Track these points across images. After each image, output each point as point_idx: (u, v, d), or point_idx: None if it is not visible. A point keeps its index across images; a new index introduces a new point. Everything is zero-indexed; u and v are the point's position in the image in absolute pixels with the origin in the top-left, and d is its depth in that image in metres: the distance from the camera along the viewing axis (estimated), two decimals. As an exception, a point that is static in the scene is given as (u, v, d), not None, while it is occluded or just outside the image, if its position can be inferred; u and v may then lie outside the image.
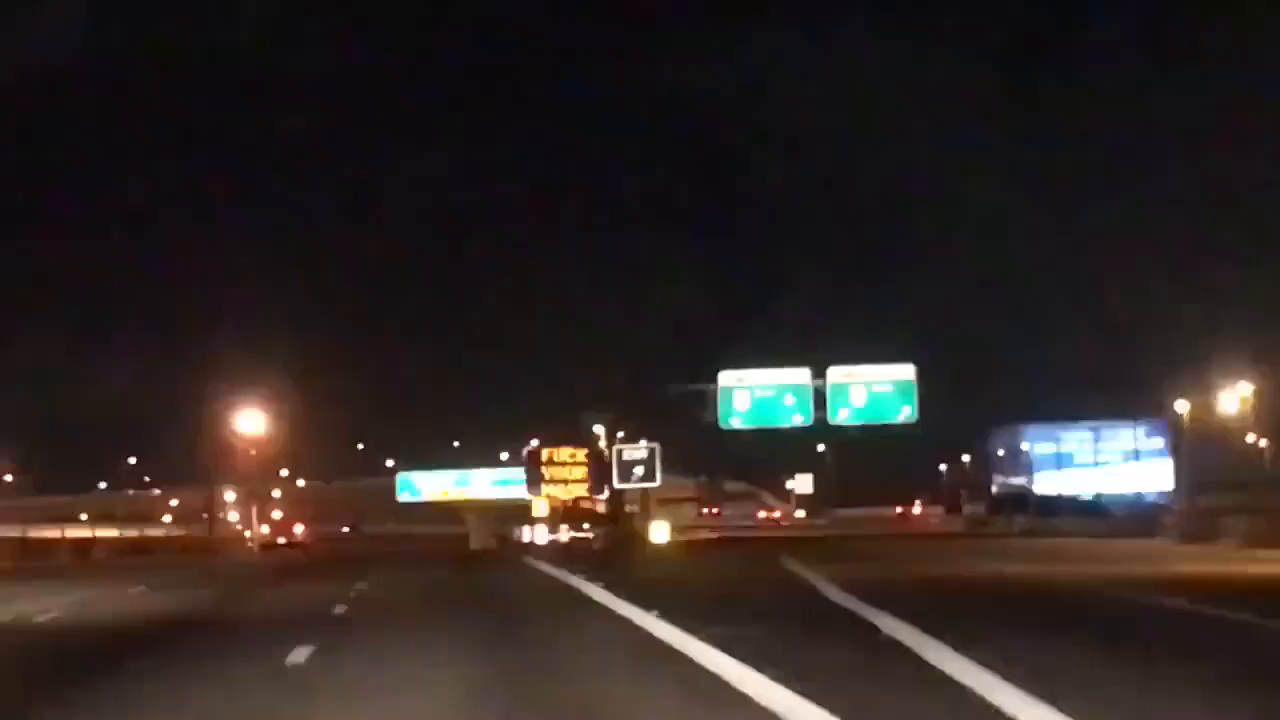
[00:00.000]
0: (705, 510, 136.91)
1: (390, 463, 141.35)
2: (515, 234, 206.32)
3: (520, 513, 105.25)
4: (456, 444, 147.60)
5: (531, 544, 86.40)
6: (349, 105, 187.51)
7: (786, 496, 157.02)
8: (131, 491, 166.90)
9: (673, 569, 43.60)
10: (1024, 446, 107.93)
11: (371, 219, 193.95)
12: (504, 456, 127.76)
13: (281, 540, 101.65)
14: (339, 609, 27.27)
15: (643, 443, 79.76)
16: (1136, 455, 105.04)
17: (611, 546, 71.81)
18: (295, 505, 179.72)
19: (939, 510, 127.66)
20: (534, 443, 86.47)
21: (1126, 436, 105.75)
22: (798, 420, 75.56)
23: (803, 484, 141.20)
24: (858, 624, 20.55)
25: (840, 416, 75.53)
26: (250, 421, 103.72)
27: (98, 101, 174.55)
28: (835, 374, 75.64)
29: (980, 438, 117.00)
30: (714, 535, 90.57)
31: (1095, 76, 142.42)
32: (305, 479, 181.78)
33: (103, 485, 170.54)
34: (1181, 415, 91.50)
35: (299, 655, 18.05)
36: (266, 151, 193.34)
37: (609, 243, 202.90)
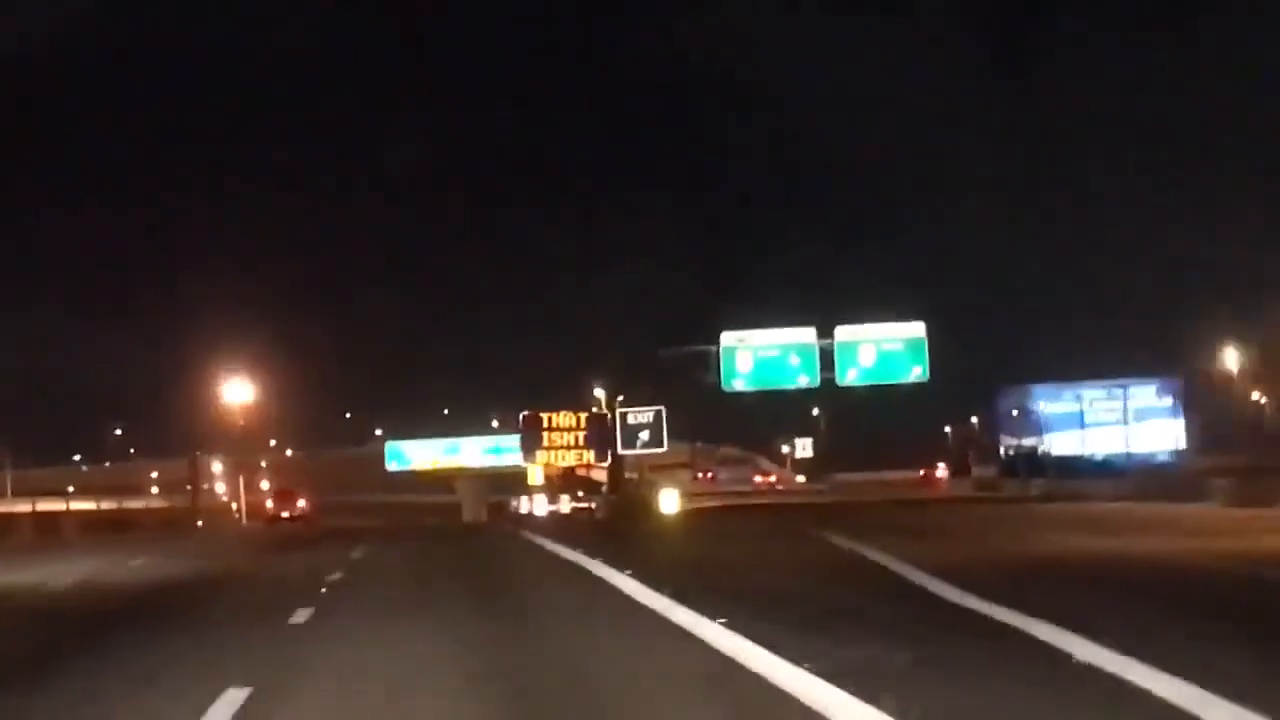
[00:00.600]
0: (699, 475, 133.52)
1: (379, 432, 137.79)
2: (505, 200, 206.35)
3: (514, 481, 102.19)
4: (446, 411, 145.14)
5: (530, 515, 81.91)
6: (336, 69, 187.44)
7: (783, 461, 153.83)
8: (108, 464, 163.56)
9: (697, 546, 38.35)
10: (1035, 406, 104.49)
11: (359, 188, 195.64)
12: (495, 424, 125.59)
13: (285, 514, 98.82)
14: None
15: (648, 406, 76.55)
16: (1148, 414, 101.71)
17: (614, 517, 68.10)
18: (293, 477, 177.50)
19: (944, 473, 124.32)
20: (529, 410, 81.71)
21: (1139, 394, 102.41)
22: (803, 381, 72.42)
23: (803, 448, 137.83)
24: (1005, 633, 15.69)
25: (849, 377, 72.45)
26: (238, 390, 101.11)
27: (76, 71, 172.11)
28: (843, 333, 72.57)
29: (988, 398, 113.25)
30: (718, 503, 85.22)
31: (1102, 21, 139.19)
32: (293, 449, 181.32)
33: (76, 458, 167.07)
34: (1197, 372, 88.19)
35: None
36: (253, 116, 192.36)
37: (601, 208, 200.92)
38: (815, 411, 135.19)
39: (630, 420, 76.36)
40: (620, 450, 77.11)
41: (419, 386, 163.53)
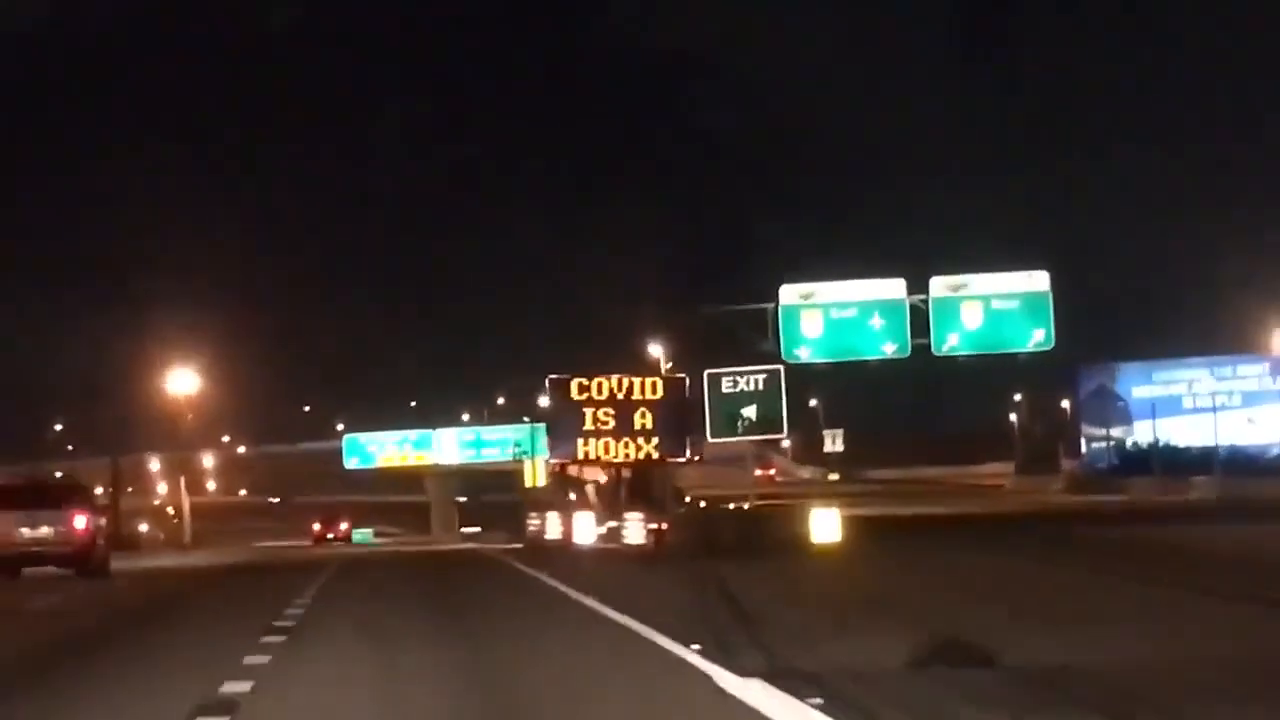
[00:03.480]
0: (763, 472, 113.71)
1: (341, 426, 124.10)
2: (477, 185, 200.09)
3: (498, 482, 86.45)
4: (414, 404, 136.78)
5: (564, 544, 52.66)
6: (297, 55, 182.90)
7: (788, 451, 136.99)
8: (33, 465, 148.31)
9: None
10: (1124, 388, 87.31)
11: (324, 175, 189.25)
12: (465, 417, 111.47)
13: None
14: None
15: (759, 366, 54.50)
16: (1260, 398, 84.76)
17: (717, 552, 38.65)
18: (235, 477, 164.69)
19: (1001, 468, 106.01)
20: (556, 376, 54.15)
21: (1247, 375, 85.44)
22: (889, 349, 55.58)
23: (832, 440, 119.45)
24: None
25: (949, 344, 55.39)
26: (182, 381, 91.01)
27: (12, 65, 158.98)
28: (940, 285, 55.58)
29: (1055, 377, 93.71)
30: (846, 510, 55.75)
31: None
32: (247, 445, 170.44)
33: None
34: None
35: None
36: (204, 103, 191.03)
37: (584, 189, 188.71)
38: (814, 402, 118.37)
39: (728, 388, 52.56)
40: (713, 438, 53.31)
41: (385, 378, 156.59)
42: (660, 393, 52.73)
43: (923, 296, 55.39)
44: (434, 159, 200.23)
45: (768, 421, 53.96)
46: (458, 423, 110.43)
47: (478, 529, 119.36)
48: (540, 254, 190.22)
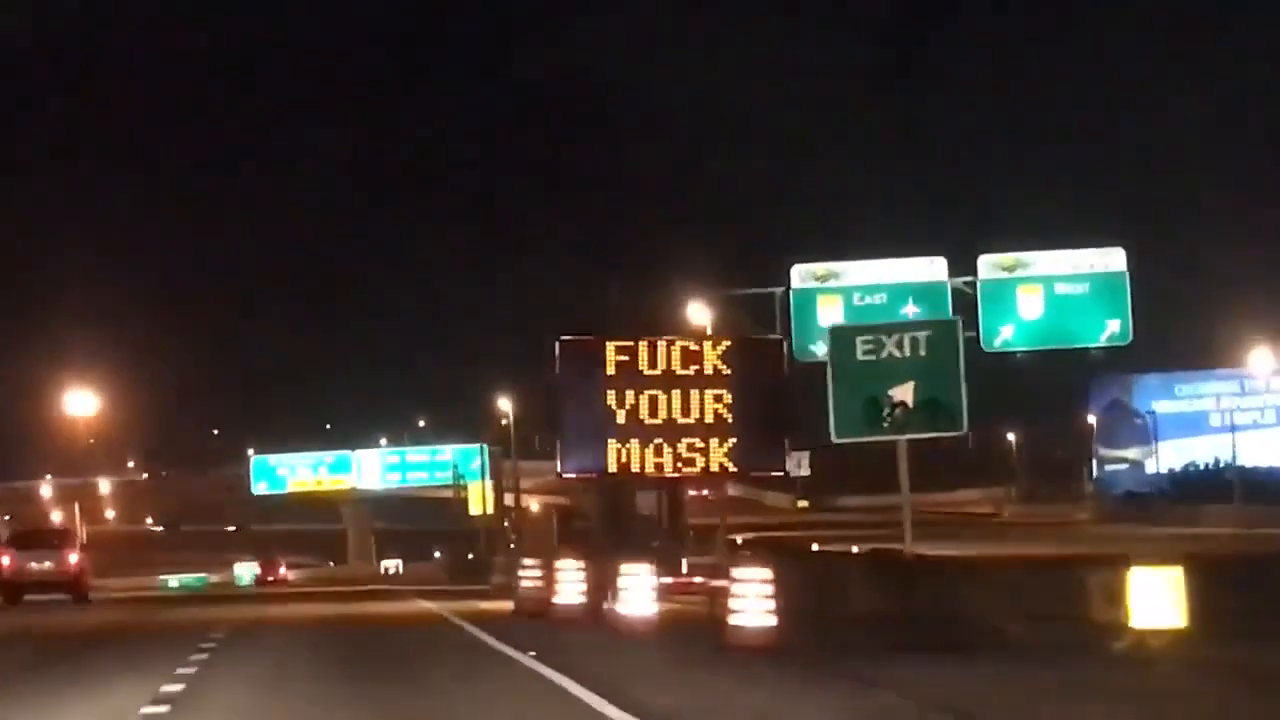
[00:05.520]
0: (694, 492, 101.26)
1: (251, 451, 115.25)
2: (395, 203, 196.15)
3: (430, 510, 75.89)
4: (329, 426, 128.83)
5: (596, 613, 31.71)
6: (198, 71, 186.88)
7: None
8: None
9: None
10: (1142, 403, 76.94)
11: (237, 193, 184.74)
12: (383, 442, 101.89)
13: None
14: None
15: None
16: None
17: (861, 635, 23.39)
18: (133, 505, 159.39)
19: (987, 494, 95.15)
20: (571, 336, 34.87)
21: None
22: (929, 344, 44.24)
23: (798, 464, 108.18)
24: None
25: (1002, 336, 44.89)
26: (81, 403, 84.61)
27: None
28: (990, 265, 45.04)
29: (1057, 389, 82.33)
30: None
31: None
32: (150, 471, 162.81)
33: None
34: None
35: None
36: (121, 119, 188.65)
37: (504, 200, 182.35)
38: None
39: (867, 352, 30.60)
40: (840, 436, 31.15)
41: (302, 400, 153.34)
42: (741, 367, 34.37)
43: (969, 278, 44.95)
44: (355, 178, 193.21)
45: (937, 410, 31.08)
46: (377, 445, 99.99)
47: (398, 561, 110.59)
48: (461, 273, 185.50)
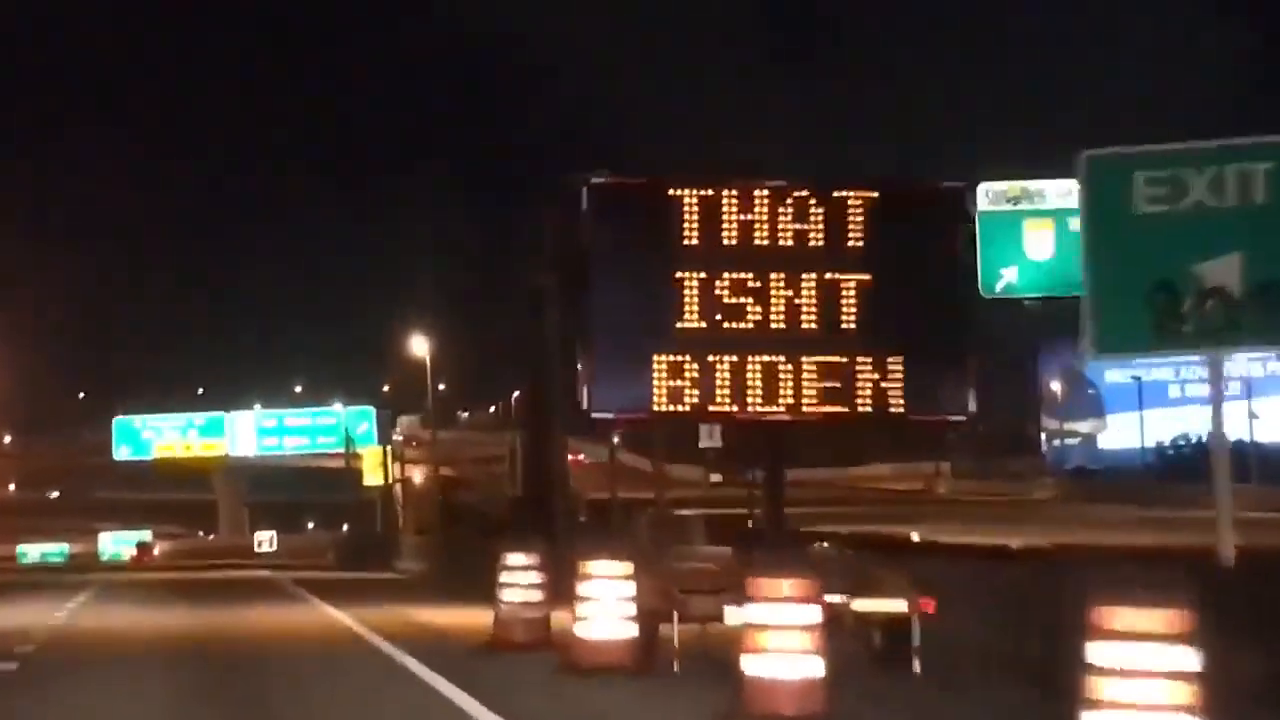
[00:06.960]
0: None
1: (121, 415, 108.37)
2: (277, 164, 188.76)
3: (313, 480, 68.59)
4: (201, 390, 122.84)
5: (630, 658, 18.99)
6: (93, 38, 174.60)
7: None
8: None
9: None
10: (1114, 375, 70.82)
11: (91, 137, 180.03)
12: (257, 407, 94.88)
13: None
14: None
15: None
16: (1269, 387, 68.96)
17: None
18: None
19: (904, 469, 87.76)
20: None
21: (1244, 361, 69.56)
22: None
23: (709, 435, 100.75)
24: None
25: (1004, 280, 38.10)
26: None
27: None
28: (991, 195, 38.14)
29: (1006, 355, 74.81)
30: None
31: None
32: (11, 435, 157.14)
33: None
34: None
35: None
36: None
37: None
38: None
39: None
40: (1101, 352, 19.43)
41: (174, 364, 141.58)
42: (903, 234, 23.19)
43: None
44: (237, 140, 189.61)
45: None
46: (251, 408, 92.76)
47: (272, 533, 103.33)
48: (340, 237, 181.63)
